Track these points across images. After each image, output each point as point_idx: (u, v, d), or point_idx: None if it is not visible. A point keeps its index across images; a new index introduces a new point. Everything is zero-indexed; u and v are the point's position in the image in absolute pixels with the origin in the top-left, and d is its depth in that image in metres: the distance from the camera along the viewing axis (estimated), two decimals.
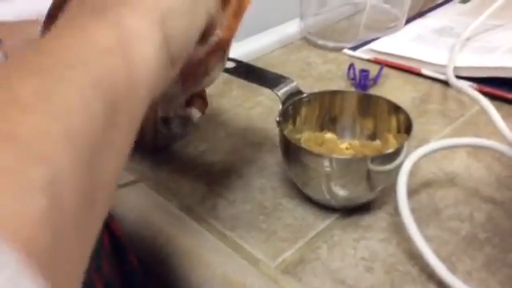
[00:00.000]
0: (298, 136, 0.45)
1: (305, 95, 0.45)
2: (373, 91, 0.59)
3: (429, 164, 0.47)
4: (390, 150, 0.39)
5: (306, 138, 0.45)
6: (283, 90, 0.45)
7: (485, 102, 0.50)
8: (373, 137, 0.46)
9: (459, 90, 0.55)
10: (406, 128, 0.42)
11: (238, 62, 0.48)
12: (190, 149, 0.51)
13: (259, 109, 0.57)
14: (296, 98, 0.45)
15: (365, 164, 0.37)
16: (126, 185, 0.47)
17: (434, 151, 0.42)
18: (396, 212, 0.39)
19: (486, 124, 0.50)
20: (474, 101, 0.52)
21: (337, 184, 0.38)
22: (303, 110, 0.46)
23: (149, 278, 0.42)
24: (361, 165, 0.38)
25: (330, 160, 0.38)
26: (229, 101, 0.59)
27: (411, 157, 0.40)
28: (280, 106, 0.44)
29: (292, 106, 0.44)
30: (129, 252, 0.40)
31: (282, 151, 0.42)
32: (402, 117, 0.44)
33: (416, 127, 0.52)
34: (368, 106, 0.46)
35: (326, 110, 0.46)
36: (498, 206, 0.42)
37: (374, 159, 0.38)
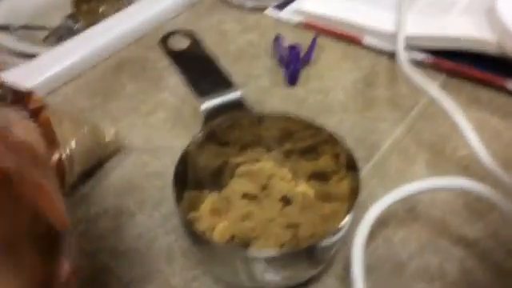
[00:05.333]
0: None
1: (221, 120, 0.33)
2: (306, 74, 0.47)
3: (382, 187, 0.37)
4: (335, 230, 0.28)
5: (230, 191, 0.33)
6: (211, 103, 0.31)
7: (438, 94, 0.39)
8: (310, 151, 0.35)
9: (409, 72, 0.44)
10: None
11: (193, 42, 0.34)
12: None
13: (161, 113, 0.44)
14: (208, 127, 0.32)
15: (304, 253, 0.27)
16: None
17: (391, 205, 0.31)
18: (348, 274, 0.29)
19: (448, 115, 0.40)
20: (430, 80, 0.41)
21: (266, 275, 0.27)
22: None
23: None
24: (299, 255, 0.27)
25: (254, 259, 0.26)
26: (119, 103, 0.45)
27: (364, 223, 0.29)
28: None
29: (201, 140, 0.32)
30: None
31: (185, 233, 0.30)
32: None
33: (364, 126, 0.42)
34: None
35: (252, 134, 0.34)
36: (470, 250, 0.33)
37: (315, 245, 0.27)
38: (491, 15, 0.44)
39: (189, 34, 0.37)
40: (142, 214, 0.36)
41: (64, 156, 0.31)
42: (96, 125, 0.37)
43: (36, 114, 0.30)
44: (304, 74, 0.47)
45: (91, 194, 0.37)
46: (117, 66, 0.49)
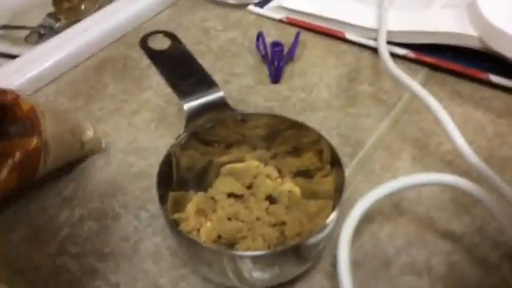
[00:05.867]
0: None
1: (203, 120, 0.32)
2: (289, 70, 0.47)
3: (368, 183, 0.37)
4: (321, 228, 0.28)
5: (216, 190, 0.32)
6: (193, 103, 0.31)
7: (419, 90, 0.39)
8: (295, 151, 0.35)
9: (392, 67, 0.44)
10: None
11: (174, 42, 0.35)
12: (45, 202, 0.37)
13: (145, 113, 0.43)
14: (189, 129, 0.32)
15: (291, 252, 0.27)
16: None
17: (377, 201, 0.31)
18: (335, 270, 0.29)
19: (431, 111, 0.40)
20: (413, 73, 0.41)
21: (253, 274, 0.27)
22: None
23: None
24: (286, 254, 0.27)
25: (242, 258, 0.26)
26: (103, 104, 0.45)
27: (350, 220, 0.29)
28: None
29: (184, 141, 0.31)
30: None
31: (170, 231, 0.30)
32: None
33: (348, 123, 0.42)
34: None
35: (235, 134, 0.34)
36: (457, 244, 0.33)
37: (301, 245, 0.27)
38: (472, 9, 0.44)
39: (169, 34, 0.37)
40: (127, 214, 0.36)
41: (41, 144, 0.31)
42: (76, 123, 0.36)
43: (15, 104, 0.31)
44: (287, 70, 0.47)
45: (76, 197, 0.37)
46: (98, 66, 0.49)
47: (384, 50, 0.45)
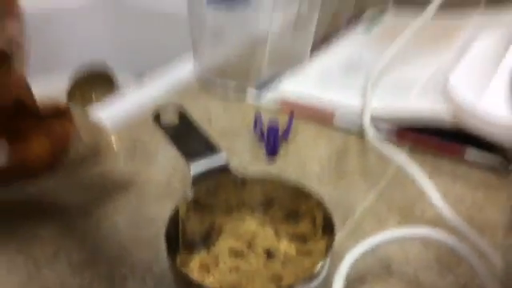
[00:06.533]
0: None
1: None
2: (284, 149, 0.51)
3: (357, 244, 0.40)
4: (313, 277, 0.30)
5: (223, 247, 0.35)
6: (199, 165, 0.35)
7: (405, 161, 0.44)
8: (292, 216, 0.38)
9: (377, 145, 0.49)
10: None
11: (182, 115, 0.41)
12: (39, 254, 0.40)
13: (153, 184, 0.47)
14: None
15: None
16: None
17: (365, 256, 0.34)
18: None
19: (414, 182, 0.44)
20: (395, 154, 0.46)
21: None
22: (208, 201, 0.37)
23: None
24: None
25: None
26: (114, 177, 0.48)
27: (339, 272, 0.32)
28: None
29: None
30: None
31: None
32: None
33: (338, 194, 0.46)
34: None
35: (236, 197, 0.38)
36: None
37: None
38: (445, 93, 0.50)
39: (178, 108, 0.42)
40: (133, 278, 0.38)
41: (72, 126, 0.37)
42: (101, 127, 0.43)
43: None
44: (282, 149, 0.51)
45: (86, 259, 0.39)
46: None
47: (369, 129, 0.49)
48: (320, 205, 0.35)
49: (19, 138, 0.35)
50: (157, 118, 0.41)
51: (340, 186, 0.46)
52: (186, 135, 0.39)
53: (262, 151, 0.51)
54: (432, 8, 0.63)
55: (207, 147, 0.38)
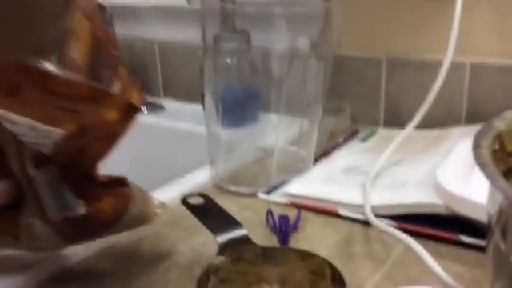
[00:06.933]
0: None
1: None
2: (295, 238, 0.56)
3: None
4: None
5: None
6: (224, 237, 0.41)
7: (410, 240, 0.49)
8: None
9: (380, 230, 0.54)
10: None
11: (207, 199, 0.47)
12: None
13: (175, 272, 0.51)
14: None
15: None
16: None
17: None
18: None
19: (416, 263, 0.49)
20: (398, 240, 0.51)
21: None
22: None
23: None
24: None
25: None
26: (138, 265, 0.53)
27: None
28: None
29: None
30: None
31: None
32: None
33: (345, 273, 0.50)
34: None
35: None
36: None
37: None
38: (437, 186, 0.57)
39: (203, 195, 0.48)
40: None
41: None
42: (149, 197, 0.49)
43: None
44: (293, 239, 0.56)
45: None
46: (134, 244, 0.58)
47: (373, 220, 0.55)
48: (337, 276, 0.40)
49: (93, 197, 0.42)
50: (184, 200, 0.47)
51: (348, 267, 0.50)
52: (211, 213, 0.44)
53: (275, 240, 0.56)
54: (417, 118, 0.71)
55: (230, 222, 0.43)
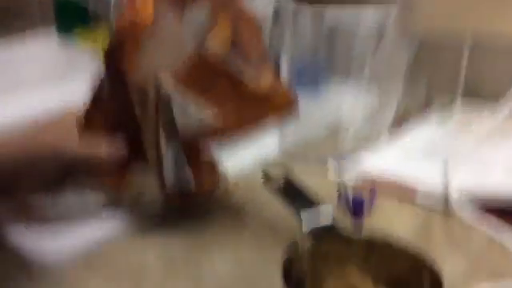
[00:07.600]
0: None
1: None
2: (370, 220, 0.54)
3: None
4: None
5: None
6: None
7: (495, 230, 0.46)
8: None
9: (463, 217, 0.51)
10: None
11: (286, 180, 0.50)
12: None
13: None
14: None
15: None
16: None
17: None
18: None
19: (501, 256, 0.46)
20: (481, 230, 0.48)
21: None
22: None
23: None
24: None
25: None
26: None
27: None
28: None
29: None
30: None
31: None
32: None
33: None
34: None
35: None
36: None
37: None
38: None
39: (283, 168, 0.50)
40: None
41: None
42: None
43: None
44: (366, 224, 0.54)
45: None
46: None
47: (452, 201, 0.52)
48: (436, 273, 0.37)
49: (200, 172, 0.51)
50: (266, 176, 0.48)
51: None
52: (292, 192, 0.44)
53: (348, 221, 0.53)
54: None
55: (312, 201, 0.44)
